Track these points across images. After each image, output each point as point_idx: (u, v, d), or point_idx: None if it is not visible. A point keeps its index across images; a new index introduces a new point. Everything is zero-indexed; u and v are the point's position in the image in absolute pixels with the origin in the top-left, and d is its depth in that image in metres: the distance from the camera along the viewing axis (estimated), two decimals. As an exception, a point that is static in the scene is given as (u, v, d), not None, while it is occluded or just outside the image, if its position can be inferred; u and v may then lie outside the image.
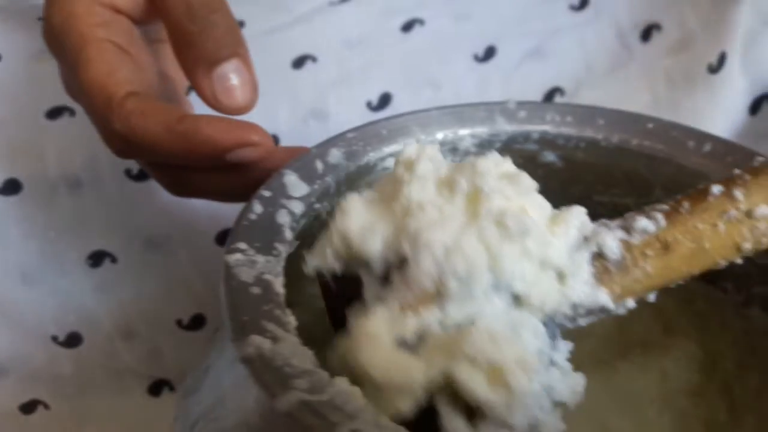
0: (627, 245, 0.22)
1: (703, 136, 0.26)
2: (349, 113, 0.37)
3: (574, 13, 0.40)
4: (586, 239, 0.22)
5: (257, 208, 0.22)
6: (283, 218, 0.22)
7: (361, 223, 0.21)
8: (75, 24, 0.28)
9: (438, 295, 0.20)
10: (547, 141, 0.28)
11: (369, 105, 0.38)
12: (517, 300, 0.21)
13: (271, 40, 0.38)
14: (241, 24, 0.37)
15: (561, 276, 0.22)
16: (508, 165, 0.23)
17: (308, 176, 0.24)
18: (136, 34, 0.29)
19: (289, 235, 0.22)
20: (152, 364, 0.37)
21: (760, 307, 0.27)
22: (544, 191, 0.30)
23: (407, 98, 0.38)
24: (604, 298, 0.22)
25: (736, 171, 0.23)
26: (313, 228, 0.25)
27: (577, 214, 0.22)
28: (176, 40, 0.28)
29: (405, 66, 0.38)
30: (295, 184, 0.23)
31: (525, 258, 0.21)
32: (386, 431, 0.16)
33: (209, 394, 0.22)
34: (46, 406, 0.36)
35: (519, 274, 0.20)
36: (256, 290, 0.19)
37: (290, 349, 0.17)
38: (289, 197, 0.23)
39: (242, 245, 0.21)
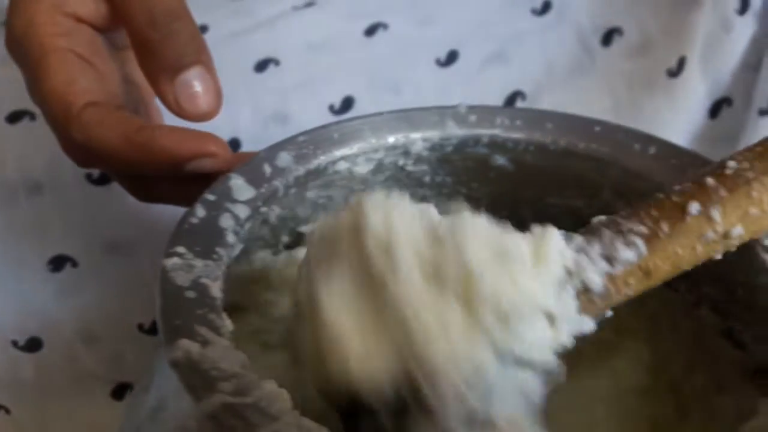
0: (610, 277, 0.22)
1: (648, 139, 0.27)
2: (311, 117, 0.37)
3: (536, 17, 0.40)
4: (569, 273, 0.22)
5: (200, 212, 0.22)
6: (226, 222, 0.22)
7: (357, 349, 0.19)
8: (36, 33, 0.28)
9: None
10: (497, 145, 0.28)
11: (331, 108, 0.38)
12: (520, 361, 0.21)
13: (233, 44, 0.38)
14: (204, 28, 0.37)
15: (551, 319, 0.21)
16: (489, 229, 0.22)
17: (255, 180, 0.24)
18: (99, 43, 0.30)
19: (231, 239, 0.22)
20: (114, 368, 0.37)
21: (709, 307, 0.28)
22: (497, 194, 0.31)
23: (369, 102, 0.38)
24: (588, 325, 0.22)
25: (710, 181, 0.22)
26: (260, 231, 0.25)
27: (556, 244, 0.21)
28: (139, 48, 0.28)
29: (368, 70, 0.39)
30: (241, 187, 0.24)
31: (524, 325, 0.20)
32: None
33: (154, 397, 0.23)
34: (7, 411, 0.36)
35: (519, 343, 0.20)
36: (191, 294, 0.19)
37: (220, 352, 0.18)
38: (234, 201, 0.23)
39: (181, 249, 0.21)
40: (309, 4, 0.39)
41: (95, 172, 0.36)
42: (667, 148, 0.26)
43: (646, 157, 0.27)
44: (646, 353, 0.28)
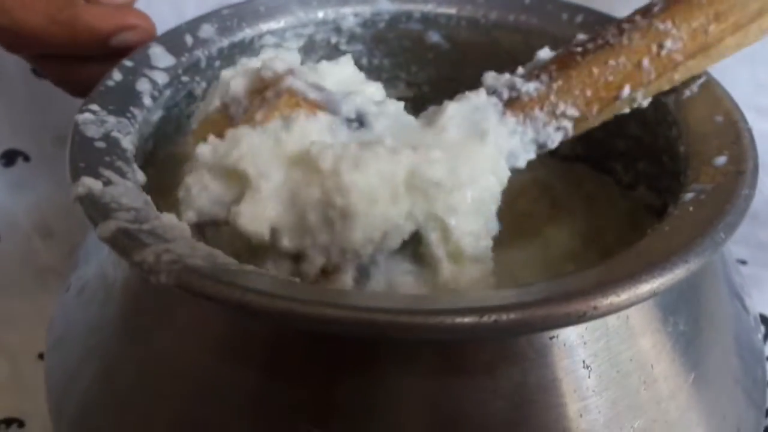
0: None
1: (576, 9, 0.27)
2: None
3: None
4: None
5: (116, 75, 0.22)
6: (142, 86, 0.23)
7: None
8: None
9: None
10: (429, 20, 0.28)
11: None
12: None
13: None
14: None
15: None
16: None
17: (176, 49, 0.24)
18: None
19: (148, 101, 0.22)
20: (70, 263, 0.38)
21: (645, 185, 0.28)
22: (436, 78, 0.31)
23: None
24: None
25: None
26: (186, 106, 0.25)
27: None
28: None
29: None
30: (159, 55, 0.24)
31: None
32: (199, 252, 0.16)
33: (79, 275, 0.23)
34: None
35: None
36: (100, 144, 0.20)
37: (122, 191, 0.18)
38: (153, 67, 0.23)
39: (94, 107, 0.21)
40: None
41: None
42: (593, 16, 0.26)
43: (573, 26, 0.26)
44: (580, 225, 0.28)
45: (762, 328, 0.29)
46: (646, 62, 0.23)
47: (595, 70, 0.23)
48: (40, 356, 0.35)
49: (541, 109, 0.23)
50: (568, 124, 0.24)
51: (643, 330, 0.19)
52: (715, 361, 0.21)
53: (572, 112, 0.23)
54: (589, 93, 0.23)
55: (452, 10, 0.28)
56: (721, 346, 0.21)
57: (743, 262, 0.37)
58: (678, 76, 0.23)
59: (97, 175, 0.18)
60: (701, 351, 0.20)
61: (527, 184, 0.29)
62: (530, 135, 0.24)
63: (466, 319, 0.15)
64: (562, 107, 0.23)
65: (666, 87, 0.23)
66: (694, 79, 0.24)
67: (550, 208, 0.29)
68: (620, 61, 0.23)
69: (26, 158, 0.36)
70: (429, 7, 0.28)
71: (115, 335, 0.19)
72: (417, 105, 0.32)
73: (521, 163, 0.24)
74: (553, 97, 0.23)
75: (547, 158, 0.29)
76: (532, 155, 0.24)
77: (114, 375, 0.19)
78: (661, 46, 0.23)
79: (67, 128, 0.36)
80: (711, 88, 0.24)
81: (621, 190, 0.29)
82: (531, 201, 0.29)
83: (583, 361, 0.18)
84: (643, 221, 0.28)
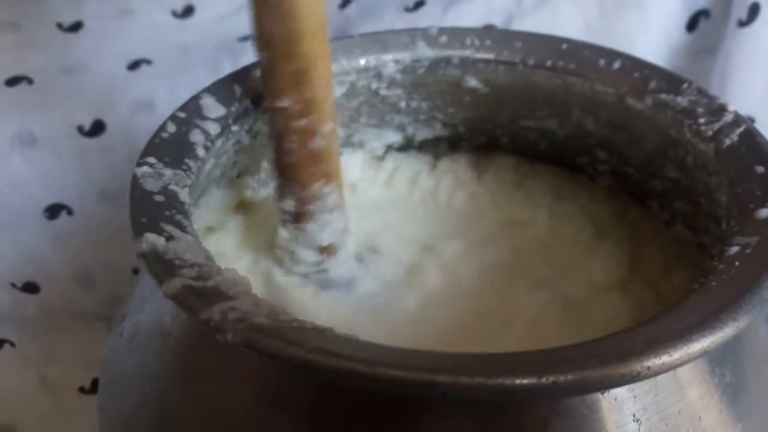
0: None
1: (612, 54, 0.27)
2: None
3: None
4: None
5: (170, 127, 0.23)
6: (196, 137, 0.23)
7: None
8: None
9: None
10: (468, 65, 0.29)
11: None
12: None
13: None
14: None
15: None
16: None
17: (225, 99, 0.25)
18: None
19: (201, 152, 0.23)
20: (113, 308, 0.38)
21: (682, 223, 0.28)
22: (473, 120, 0.32)
23: None
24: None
25: None
26: (229, 149, 0.26)
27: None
28: None
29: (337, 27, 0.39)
30: (211, 105, 0.24)
31: None
32: (263, 309, 0.17)
33: (131, 321, 0.24)
34: (13, 345, 0.38)
35: None
36: (159, 198, 0.20)
37: (184, 246, 0.19)
38: (205, 118, 0.24)
39: (151, 160, 0.22)
40: None
41: (86, 125, 0.37)
42: (631, 62, 0.27)
43: (610, 72, 0.27)
44: (624, 254, 0.28)
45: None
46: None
47: None
48: (81, 389, 0.36)
49: None
50: None
51: (690, 382, 0.19)
52: (761, 410, 0.21)
53: None
54: None
55: (490, 56, 0.29)
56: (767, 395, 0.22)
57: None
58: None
59: (159, 231, 0.19)
60: (748, 400, 0.21)
61: (572, 212, 0.29)
62: None
63: (525, 381, 0.15)
64: None
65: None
66: (733, 127, 0.24)
67: (595, 237, 0.29)
68: None
69: (70, 212, 0.37)
70: (467, 53, 0.29)
71: (173, 385, 0.20)
72: (453, 143, 0.33)
73: None
74: None
75: (591, 185, 0.30)
76: None
77: (171, 425, 0.19)
78: None
79: (109, 184, 0.38)
80: (751, 137, 0.24)
81: (663, 223, 0.29)
82: (575, 229, 0.29)
83: (633, 415, 0.18)
84: (687, 253, 0.28)
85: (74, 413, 0.36)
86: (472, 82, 0.29)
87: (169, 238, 0.19)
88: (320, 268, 0.25)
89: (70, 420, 0.36)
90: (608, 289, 0.27)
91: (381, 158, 0.32)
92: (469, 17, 0.38)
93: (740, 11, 0.37)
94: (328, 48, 0.23)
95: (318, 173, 0.24)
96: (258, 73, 0.24)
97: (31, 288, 0.37)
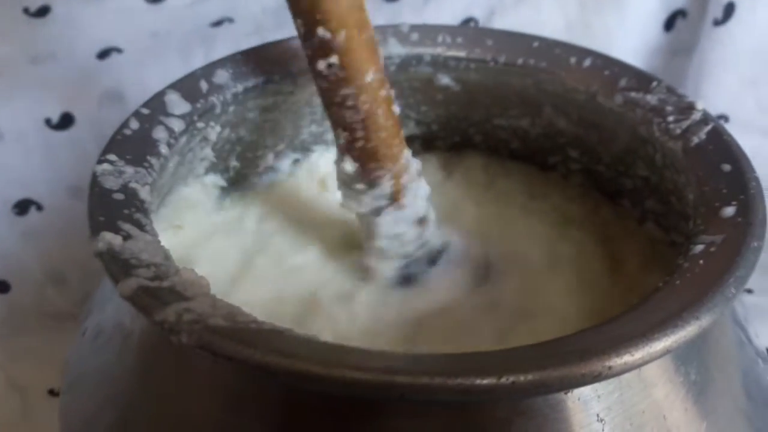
0: None
1: (583, 52, 0.27)
2: None
3: None
4: None
5: (133, 124, 0.23)
6: (159, 134, 0.23)
7: None
8: None
9: None
10: (439, 63, 0.28)
11: None
12: None
13: None
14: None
15: None
16: None
17: (191, 95, 0.25)
18: None
19: (164, 150, 0.23)
20: (86, 306, 0.38)
21: (653, 222, 0.28)
22: (446, 118, 0.31)
23: None
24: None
25: None
26: (201, 151, 0.26)
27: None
28: None
29: None
30: (175, 102, 0.24)
31: None
32: (221, 311, 0.16)
33: (94, 321, 0.23)
34: (-20, 346, 0.37)
35: None
36: (118, 196, 0.20)
37: (141, 245, 0.18)
38: (169, 114, 0.24)
39: (112, 157, 0.21)
40: None
41: (54, 117, 0.36)
42: (601, 60, 0.27)
43: (581, 70, 0.27)
44: (600, 251, 0.28)
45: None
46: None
47: None
48: (50, 392, 0.35)
49: None
50: None
51: (655, 381, 0.19)
52: (726, 408, 0.21)
53: None
54: None
55: (462, 53, 0.28)
56: (732, 393, 0.22)
57: (749, 291, 0.37)
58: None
59: (116, 229, 0.19)
60: (713, 398, 0.20)
61: (546, 209, 0.29)
62: None
63: (485, 381, 0.15)
64: None
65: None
66: (701, 125, 0.24)
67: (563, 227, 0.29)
68: None
69: (39, 207, 0.36)
70: (439, 50, 0.28)
71: (132, 387, 0.20)
72: (427, 142, 0.33)
73: None
74: None
75: (563, 183, 0.30)
76: None
77: (130, 427, 0.19)
78: None
79: (80, 178, 0.37)
80: (719, 135, 0.24)
81: (635, 222, 0.29)
82: (549, 225, 0.29)
83: (597, 415, 0.18)
84: (663, 249, 0.28)
85: (43, 416, 0.36)
86: (444, 79, 0.29)
87: (127, 237, 0.18)
88: (422, 241, 0.25)
89: (39, 423, 0.36)
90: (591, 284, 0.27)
91: None
92: (449, 10, 0.38)
93: (716, 11, 0.38)
94: None
95: (401, 141, 0.24)
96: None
97: (1, 287, 0.36)
